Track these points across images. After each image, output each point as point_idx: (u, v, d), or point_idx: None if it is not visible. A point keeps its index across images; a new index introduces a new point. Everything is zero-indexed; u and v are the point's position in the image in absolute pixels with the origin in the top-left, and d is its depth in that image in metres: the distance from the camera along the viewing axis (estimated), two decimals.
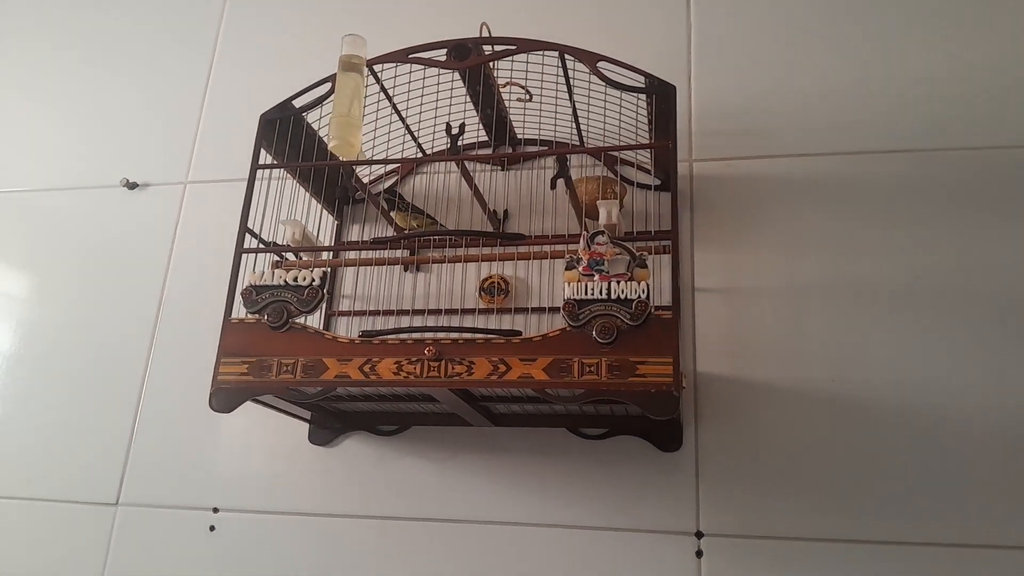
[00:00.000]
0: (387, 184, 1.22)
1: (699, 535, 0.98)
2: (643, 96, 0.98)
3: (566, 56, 0.95)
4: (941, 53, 1.14)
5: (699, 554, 0.98)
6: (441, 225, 1.14)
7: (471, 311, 1.09)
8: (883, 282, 1.04)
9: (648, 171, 1.11)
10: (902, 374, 1.00)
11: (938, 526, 0.93)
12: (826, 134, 1.13)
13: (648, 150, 1.08)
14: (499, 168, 1.18)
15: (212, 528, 1.13)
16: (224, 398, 0.89)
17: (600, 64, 0.93)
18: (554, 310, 1.05)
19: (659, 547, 0.99)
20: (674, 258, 0.86)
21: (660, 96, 0.94)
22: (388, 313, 1.10)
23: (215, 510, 1.14)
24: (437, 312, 1.09)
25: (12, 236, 1.41)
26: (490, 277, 1.12)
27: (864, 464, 0.97)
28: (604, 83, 0.93)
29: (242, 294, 0.92)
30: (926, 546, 0.93)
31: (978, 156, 1.08)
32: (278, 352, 0.89)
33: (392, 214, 1.12)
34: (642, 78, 0.94)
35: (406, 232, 1.08)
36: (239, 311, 0.92)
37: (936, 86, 1.12)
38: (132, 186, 1.38)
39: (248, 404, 0.93)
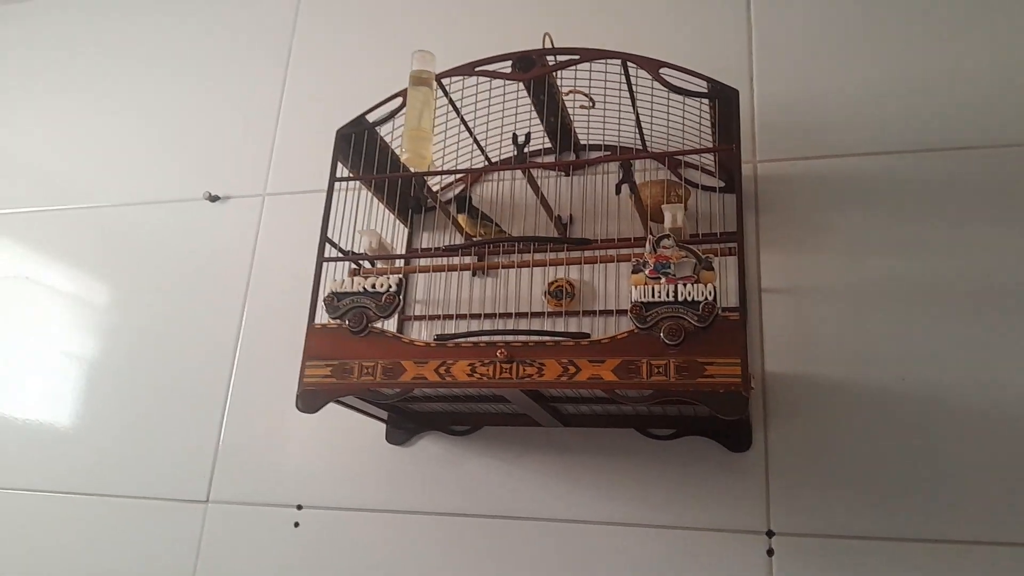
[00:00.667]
0: (456, 191, 1.26)
1: (770, 534, 0.99)
2: (706, 100, 1.00)
3: (628, 63, 0.97)
4: (1010, 44, 1.12)
5: (770, 553, 0.98)
6: (507, 233, 1.17)
7: (539, 314, 1.12)
8: (951, 281, 1.03)
9: (712, 173, 1.12)
10: (971, 372, 0.99)
11: (1012, 525, 0.92)
12: (891, 132, 1.12)
13: (712, 153, 1.09)
14: (563, 174, 1.21)
15: (296, 524, 1.19)
16: (310, 399, 0.94)
17: (662, 70, 0.95)
18: (620, 313, 1.07)
19: (730, 546, 1.00)
20: (740, 259, 0.87)
21: (723, 100, 0.95)
22: (459, 317, 1.14)
23: (299, 507, 1.20)
24: (506, 316, 1.13)
25: (101, 250, 1.50)
26: (556, 281, 1.15)
27: (934, 463, 0.97)
28: (667, 89, 0.95)
29: (324, 301, 0.97)
30: (998, 546, 0.92)
31: None
32: (359, 355, 0.93)
33: (461, 217, 1.16)
34: (704, 83, 0.95)
35: (475, 239, 1.12)
36: (321, 317, 0.97)
37: (1006, 79, 1.10)
38: (214, 199, 1.45)
39: (329, 405, 0.98)
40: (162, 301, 1.41)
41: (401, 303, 0.95)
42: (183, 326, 1.38)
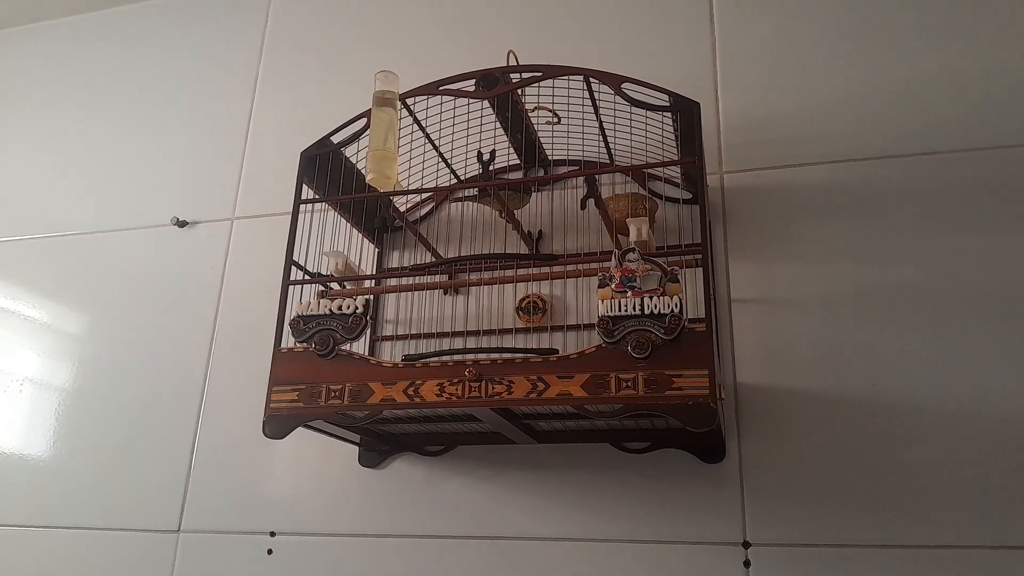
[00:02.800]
0: (424, 211, 1.26)
1: (746, 545, 0.99)
2: (668, 113, 1.00)
3: (591, 79, 0.98)
4: (971, 52, 1.14)
5: (747, 564, 0.98)
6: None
7: (509, 331, 1.12)
8: (920, 287, 1.04)
9: (678, 184, 1.13)
10: (942, 379, 0.99)
11: (984, 529, 0.92)
12: (857, 139, 1.13)
13: (677, 165, 1.10)
14: (532, 192, 1.20)
15: (270, 551, 1.17)
16: (277, 425, 0.93)
17: (624, 85, 0.95)
18: (590, 327, 1.07)
19: (707, 558, 0.99)
20: (705, 270, 0.87)
21: (684, 113, 0.96)
22: (430, 336, 1.13)
23: (272, 534, 1.18)
24: (477, 333, 1.12)
25: (69, 277, 1.48)
26: (527, 297, 1.15)
27: (907, 469, 0.97)
28: (629, 103, 0.95)
29: (290, 324, 0.96)
30: (974, 549, 0.92)
31: (1014, 155, 1.07)
32: (326, 379, 0.92)
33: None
34: (666, 96, 0.96)
35: (444, 259, 1.11)
36: (288, 341, 0.96)
37: (967, 85, 1.12)
38: (182, 224, 1.44)
39: (300, 430, 0.97)
40: (131, 328, 1.39)
41: (368, 324, 0.94)
42: (152, 353, 1.36)
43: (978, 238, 1.04)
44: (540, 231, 1.19)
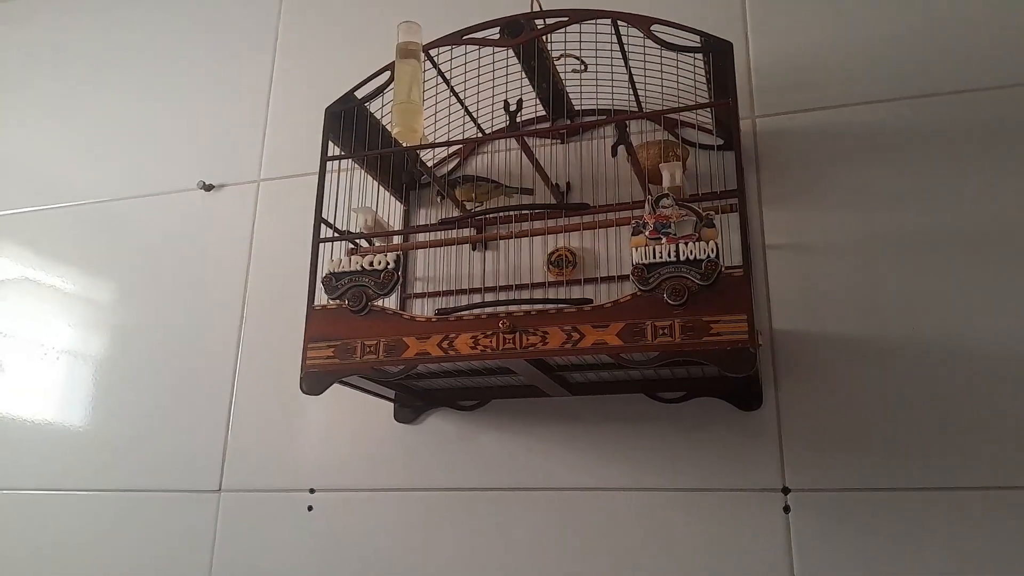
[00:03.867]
0: (451, 166, 1.25)
1: (786, 491, 0.98)
2: (700, 56, 0.98)
3: (619, 22, 0.95)
4: None
5: (787, 509, 0.98)
6: (505, 187, 1.15)
7: (541, 284, 1.11)
8: (958, 228, 1.01)
9: (710, 131, 1.10)
10: (982, 322, 0.97)
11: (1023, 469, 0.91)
12: (891, 78, 1.10)
13: (709, 110, 1.07)
14: (559, 141, 1.19)
15: (310, 508, 1.19)
16: (313, 381, 0.93)
17: (654, 27, 0.93)
18: (623, 278, 1.06)
19: (746, 505, 0.99)
20: (742, 214, 0.85)
21: (717, 54, 0.93)
22: (461, 292, 1.13)
23: (311, 491, 1.19)
24: (508, 288, 1.11)
25: (98, 245, 1.49)
26: (557, 250, 1.14)
27: (946, 412, 0.96)
28: (659, 46, 0.93)
29: (322, 282, 0.96)
30: (1012, 490, 0.91)
31: None
32: (360, 334, 0.92)
33: (456, 191, 1.14)
34: (697, 38, 0.93)
35: (472, 210, 1.10)
36: (321, 298, 0.96)
37: (1002, 20, 1.08)
38: (208, 188, 1.44)
39: (335, 387, 0.98)
40: (162, 294, 1.40)
41: (400, 279, 0.94)
42: (185, 318, 1.37)
43: (1018, 178, 1.01)
44: (568, 183, 1.17)
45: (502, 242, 1.17)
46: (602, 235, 1.11)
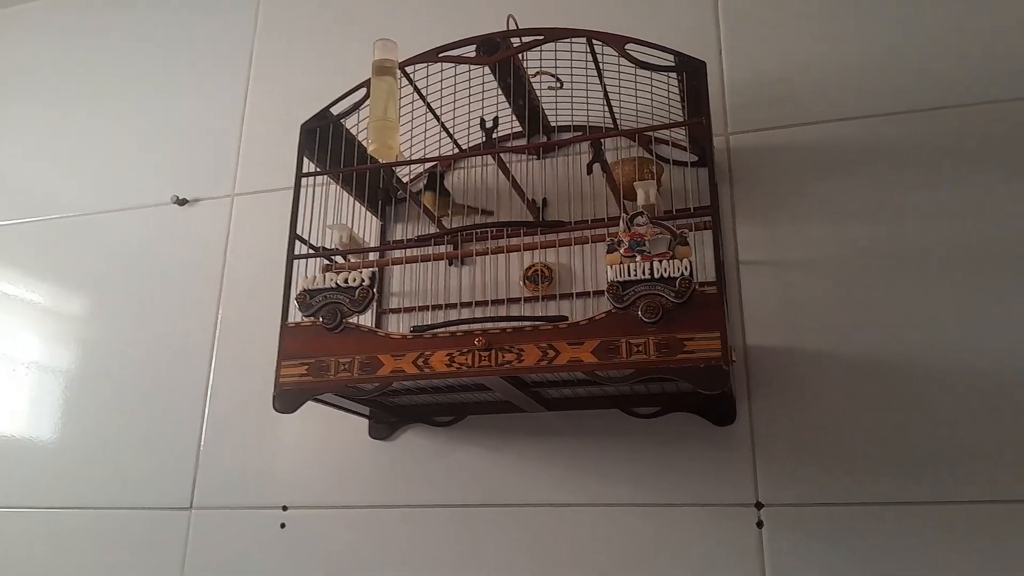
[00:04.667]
0: (426, 182, 1.25)
1: (759, 506, 0.99)
2: (674, 75, 0.99)
3: (594, 41, 0.96)
4: (981, 5, 1.11)
5: (760, 524, 0.98)
6: (466, 206, 1.15)
7: (517, 300, 1.11)
8: (928, 245, 1.03)
9: (684, 148, 1.11)
10: (953, 336, 0.99)
11: (997, 485, 0.93)
12: (864, 96, 1.12)
13: (683, 128, 1.08)
14: (535, 157, 1.19)
15: (283, 525, 1.17)
16: (287, 399, 0.92)
17: (628, 46, 0.94)
18: (598, 294, 1.07)
19: (720, 520, 1.00)
20: (715, 232, 0.86)
21: (691, 73, 0.94)
22: (436, 308, 1.13)
23: (284, 508, 1.18)
24: (484, 304, 1.11)
25: (70, 259, 1.47)
26: (533, 265, 1.14)
27: (919, 426, 0.97)
28: (634, 65, 0.93)
29: (296, 299, 0.95)
30: (986, 504, 0.92)
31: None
32: (335, 352, 0.92)
33: (427, 195, 1.13)
34: (671, 56, 0.94)
35: (448, 229, 1.10)
36: (295, 315, 0.95)
37: (976, 39, 1.10)
38: (182, 202, 1.43)
39: (309, 404, 0.97)
40: (135, 308, 1.39)
41: (375, 296, 0.94)
42: (158, 333, 1.36)
43: (989, 193, 1.03)
44: (544, 199, 1.18)
45: (478, 257, 1.17)
46: (577, 251, 1.11)
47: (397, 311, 1.19)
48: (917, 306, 1.01)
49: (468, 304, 1.10)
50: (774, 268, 1.07)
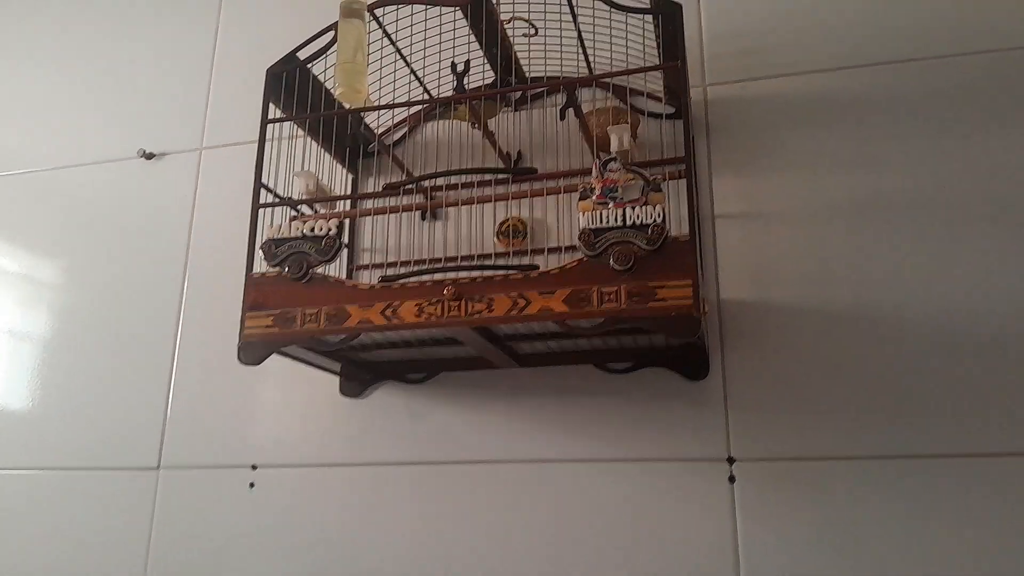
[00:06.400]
0: (398, 135, 1.22)
1: (731, 461, 0.98)
2: (651, 21, 0.96)
3: None
4: None
5: (732, 479, 0.98)
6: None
7: (489, 255, 1.09)
8: (906, 197, 1.02)
9: (660, 100, 1.09)
10: (928, 289, 0.98)
11: (967, 437, 0.92)
12: (843, 46, 1.10)
13: (660, 76, 1.06)
14: (509, 109, 1.16)
15: (252, 485, 1.15)
16: (251, 351, 0.90)
17: None
18: (572, 248, 1.04)
19: (692, 475, 0.99)
20: (689, 180, 0.84)
21: (666, 16, 0.91)
22: (408, 264, 1.10)
23: (253, 467, 1.16)
24: (456, 259, 1.09)
25: (35, 216, 1.43)
26: (507, 220, 1.12)
27: (891, 381, 0.96)
28: (609, 7, 0.91)
29: (261, 248, 0.92)
30: (956, 458, 0.92)
31: (1001, 58, 1.04)
32: (301, 303, 0.89)
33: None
34: (647, 0, 0.91)
35: (417, 176, 1.08)
36: (261, 266, 0.93)
37: None
38: (149, 156, 1.39)
39: (280, 362, 0.95)
40: (100, 265, 1.35)
41: (342, 246, 0.91)
42: (123, 289, 1.32)
43: (966, 144, 1.02)
44: (519, 152, 1.15)
45: (452, 212, 1.15)
46: (552, 205, 1.09)
47: (367, 267, 1.17)
48: (892, 259, 1.00)
49: (439, 260, 1.08)
50: (750, 221, 1.06)
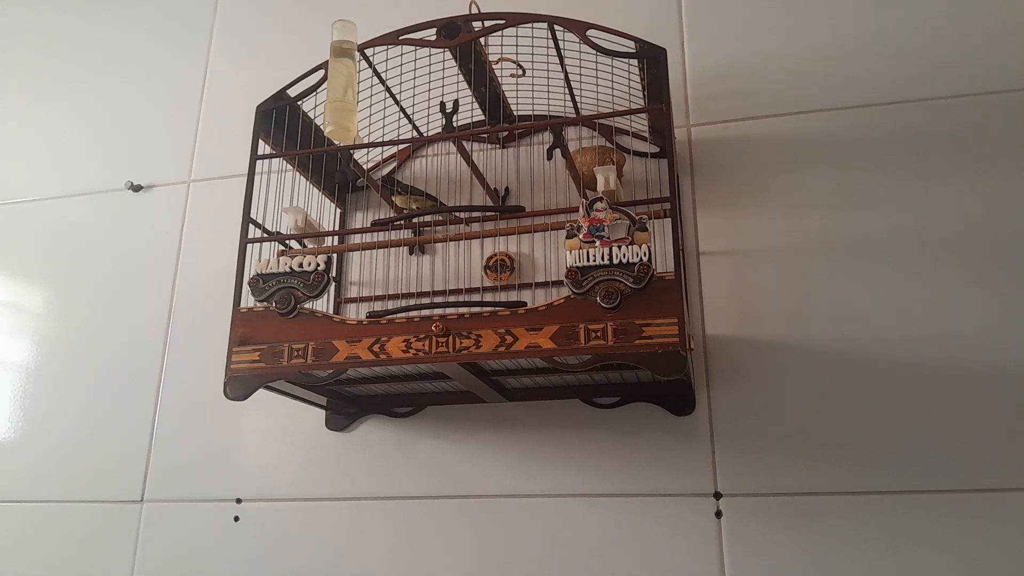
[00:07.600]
0: (386, 170, 1.23)
1: (717, 496, 0.99)
2: (635, 63, 0.98)
3: (555, 26, 0.95)
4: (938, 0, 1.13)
5: (718, 514, 0.98)
6: (442, 204, 1.15)
7: (477, 290, 1.10)
8: (887, 235, 1.04)
9: (645, 139, 1.11)
10: (909, 326, 1.00)
11: (951, 473, 0.93)
12: (823, 90, 1.12)
13: (645, 118, 1.08)
14: (497, 146, 1.18)
15: (236, 519, 1.14)
16: (238, 386, 0.90)
17: (590, 32, 0.93)
18: (559, 283, 1.06)
19: (679, 510, 0.99)
20: (674, 219, 0.86)
21: (651, 60, 0.94)
22: (396, 297, 1.11)
23: (238, 500, 1.15)
24: (443, 293, 1.10)
25: (22, 246, 1.42)
26: (495, 255, 1.13)
27: (876, 416, 0.97)
28: (595, 51, 0.93)
29: (249, 283, 0.93)
30: (940, 493, 0.93)
31: (976, 102, 1.07)
32: (288, 338, 0.90)
33: (393, 199, 1.13)
34: (632, 43, 0.94)
35: (405, 212, 1.09)
36: (248, 301, 0.93)
37: (931, 34, 1.11)
38: (137, 188, 1.39)
39: (266, 395, 0.95)
40: (87, 296, 1.35)
41: (330, 281, 0.92)
42: (110, 321, 1.32)
43: (944, 186, 1.04)
44: (507, 188, 1.17)
45: (439, 247, 1.16)
46: (540, 241, 1.11)
47: (355, 300, 1.17)
48: (875, 297, 1.02)
49: (427, 293, 1.09)
50: (735, 259, 1.08)
